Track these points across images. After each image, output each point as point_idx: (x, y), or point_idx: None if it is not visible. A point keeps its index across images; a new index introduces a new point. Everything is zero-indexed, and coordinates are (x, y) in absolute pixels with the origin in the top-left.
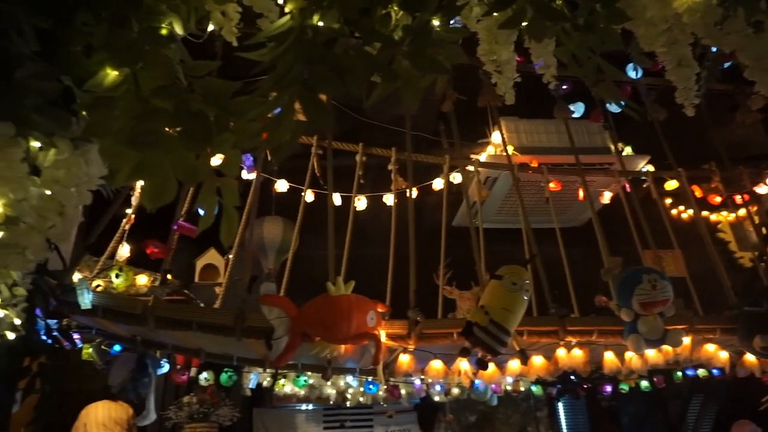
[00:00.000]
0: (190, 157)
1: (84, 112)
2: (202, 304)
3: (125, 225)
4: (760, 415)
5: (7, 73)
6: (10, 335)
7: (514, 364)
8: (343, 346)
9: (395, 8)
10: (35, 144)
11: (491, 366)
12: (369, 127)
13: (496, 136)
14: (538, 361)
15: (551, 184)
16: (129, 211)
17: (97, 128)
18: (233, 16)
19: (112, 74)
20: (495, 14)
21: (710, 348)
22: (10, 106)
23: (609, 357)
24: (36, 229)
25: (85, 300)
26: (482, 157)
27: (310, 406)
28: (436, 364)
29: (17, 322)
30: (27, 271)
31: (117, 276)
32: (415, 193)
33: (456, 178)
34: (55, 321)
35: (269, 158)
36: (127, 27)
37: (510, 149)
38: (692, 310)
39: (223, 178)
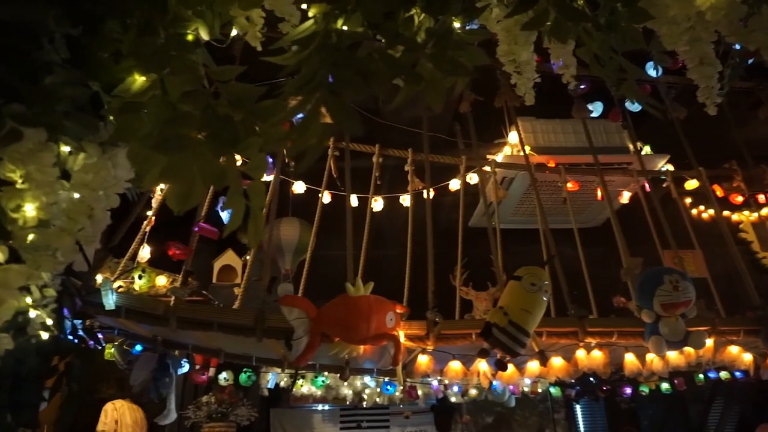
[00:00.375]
0: (216, 161)
1: (112, 117)
2: (221, 305)
3: (146, 227)
4: None
5: (38, 80)
6: (44, 335)
7: (533, 366)
8: (362, 347)
9: (418, 11)
10: (65, 148)
11: (510, 367)
12: (385, 128)
13: (512, 136)
14: (557, 362)
15: (569, 184)
16: (149, 213)
17: (125, 132)
18: (258, 21)
19: (139, 80)
20: (515, 16)
21: (733, 350)
22: (42, 112)
23: (630, 359)
24: (66, 231)
25: (110, 301)
26: (499, 158)
27: (327, 407)
28: (455, 365)
29: (49, 322)
30: (56, 273)
31: (140, 277)
32: (431, 193)
33: (473, 178)
34: (79, 321)
35: (287, 161)
36: (154, 34)
37: (527, 149)
38: (714, 311)
39: (251, 182)
